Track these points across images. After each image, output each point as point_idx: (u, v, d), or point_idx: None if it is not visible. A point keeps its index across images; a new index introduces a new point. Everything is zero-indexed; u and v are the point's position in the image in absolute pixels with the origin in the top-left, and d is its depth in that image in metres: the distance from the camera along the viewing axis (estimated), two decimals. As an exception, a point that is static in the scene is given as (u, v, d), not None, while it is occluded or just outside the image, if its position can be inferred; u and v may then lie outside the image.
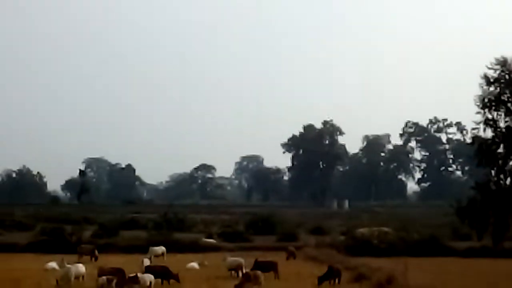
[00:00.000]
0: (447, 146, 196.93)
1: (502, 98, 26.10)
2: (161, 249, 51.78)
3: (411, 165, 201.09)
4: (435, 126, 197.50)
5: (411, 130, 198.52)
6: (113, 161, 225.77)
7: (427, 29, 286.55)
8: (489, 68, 26.08)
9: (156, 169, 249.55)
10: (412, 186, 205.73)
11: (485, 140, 26.12)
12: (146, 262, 41.49)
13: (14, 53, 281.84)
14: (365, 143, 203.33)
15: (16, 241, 61.14)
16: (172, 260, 47.12)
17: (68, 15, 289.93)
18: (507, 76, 26.24)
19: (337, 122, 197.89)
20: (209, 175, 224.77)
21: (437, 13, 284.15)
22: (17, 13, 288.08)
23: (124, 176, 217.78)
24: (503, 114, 26.13)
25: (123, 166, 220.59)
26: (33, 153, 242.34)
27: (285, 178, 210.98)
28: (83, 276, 36.88)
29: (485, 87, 26.24)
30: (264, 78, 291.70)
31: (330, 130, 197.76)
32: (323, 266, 39.18)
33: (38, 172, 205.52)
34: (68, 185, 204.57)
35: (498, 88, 26.13)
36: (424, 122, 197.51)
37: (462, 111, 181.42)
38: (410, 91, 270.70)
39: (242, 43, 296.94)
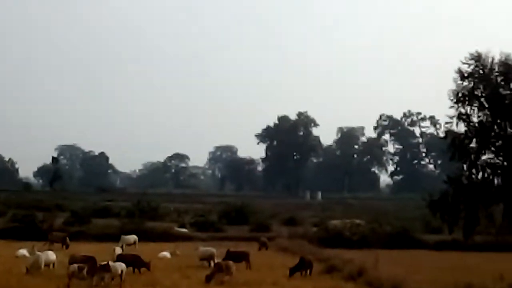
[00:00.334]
0: (420, 140, 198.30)
1: (476, 93, 26.23)
2: (133, 237, 51.59)
3: (384, 158, 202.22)
4: (409, 120, 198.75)
5: (385, 123, 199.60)
6: (86, 148, 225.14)
7: (402, 22, 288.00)
8: (464, 63, 26.20)
9: (129, 157, 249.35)
10: (385, 179, 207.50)
11: (458, 134, 26.25)
12: (118, 250, 41.32)
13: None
14: (339, 135, 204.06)
15: (-14, 227, 60.60)
16: (144, 249, 46.94)
17: None
18: (481, 71, 26.34)
19: (311, 113, 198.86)
20: (183, 164, 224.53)
21: (410, 6, 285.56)
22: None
23: (97, 164, 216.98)
24: (476, 109, 26.28)
25: (96, 153, 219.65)
26: (5, 139, 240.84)
27: (259, 168, 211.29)
28: (53, 264, 36.66)
29: (459, 82, 26.34)
30: (239, 69, 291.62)
31: (305, 121, 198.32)
32: (295, 257, 39.25)
33: (10, 158, 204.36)
34: (41, 172, 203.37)
35: (472, 83, 26.25)
36: (398, 116, 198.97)
37: (436, 105, 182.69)
38: (384, 85, 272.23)
39: (216, 33, 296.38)
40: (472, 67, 26.43)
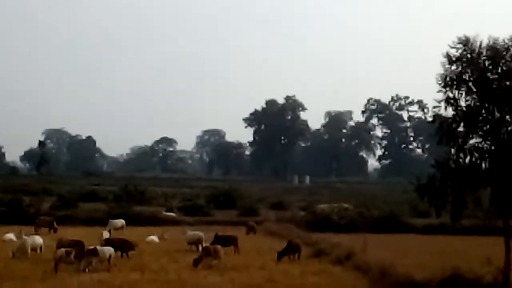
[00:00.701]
0: (408, 124, 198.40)
1: (464, 77, 26.12)
2: (120, 222, 51.59)
3: (372, 142, 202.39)
4: (397, 104, 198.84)
5: (373, 107, 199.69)
6: (73, 132, 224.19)
7: (391, 6, 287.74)
8: (452, 47, 26.09)
9: (116, 141, 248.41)
10: (373, 163, 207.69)
11: (445, 118, 26.16)
12: (106, 234, 41.28)
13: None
14: (327, 119, 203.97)
15: (-27, 211, 60.32)
16: (132, 233, 46.94)
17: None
18: (469, 55, 26.23)
19: (299, 97, 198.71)
20: (170, 148, 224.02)
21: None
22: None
23: (84, 148, 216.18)
24: (464, 93, 26.17)
25: (84, 137, 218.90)
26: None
27: (247, 152, 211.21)
28: (40, 248, 36.61)
29: (447, 66, 26.22)
30: (227, 52, 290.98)
31: (293, 105, 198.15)
32: (283, 241, 39.31)
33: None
34: (27, 156, 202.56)
35: (460, 67, 26.15)
36: (386, 100, 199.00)
37: (423, 89, 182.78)
38: (372, 68, 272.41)
39: (205, 18, 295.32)
40: (460, 51, 26.33)
